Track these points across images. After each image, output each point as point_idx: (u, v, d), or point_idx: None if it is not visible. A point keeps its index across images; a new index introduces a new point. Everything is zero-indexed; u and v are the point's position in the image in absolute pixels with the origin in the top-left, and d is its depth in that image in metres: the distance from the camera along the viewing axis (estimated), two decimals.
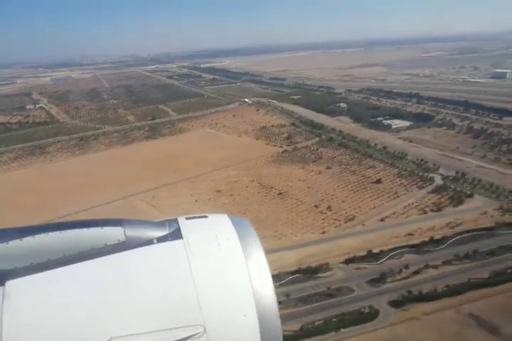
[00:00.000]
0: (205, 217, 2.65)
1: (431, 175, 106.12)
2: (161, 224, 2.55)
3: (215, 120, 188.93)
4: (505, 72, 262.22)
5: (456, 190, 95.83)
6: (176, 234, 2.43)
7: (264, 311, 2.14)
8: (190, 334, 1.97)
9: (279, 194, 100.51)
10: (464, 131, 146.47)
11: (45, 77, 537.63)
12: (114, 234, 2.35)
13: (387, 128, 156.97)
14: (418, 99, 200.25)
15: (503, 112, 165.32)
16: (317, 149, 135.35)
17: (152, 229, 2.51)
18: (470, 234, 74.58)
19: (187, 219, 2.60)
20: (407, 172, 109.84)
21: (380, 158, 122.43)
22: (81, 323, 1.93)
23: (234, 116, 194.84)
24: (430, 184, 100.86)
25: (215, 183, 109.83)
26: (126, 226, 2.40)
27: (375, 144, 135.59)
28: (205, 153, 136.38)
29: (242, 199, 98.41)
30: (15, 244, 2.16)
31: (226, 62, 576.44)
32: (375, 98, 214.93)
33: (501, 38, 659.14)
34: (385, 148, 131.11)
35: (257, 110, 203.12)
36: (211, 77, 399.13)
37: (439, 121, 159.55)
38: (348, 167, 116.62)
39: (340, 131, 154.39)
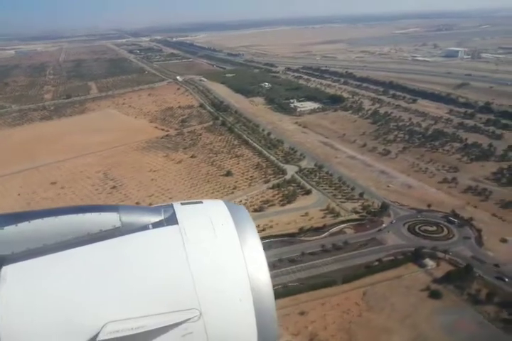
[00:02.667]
0: (201, 202, 2.61)
1: (286, 166, 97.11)
2: (156, 210, 2.51)
3: (127, 99, 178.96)
4: (458, 51, 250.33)
5: (299, 185, 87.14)
6: (171, 220, 2.39)
7: (259, 296, 2.12)
8: (186, 318, 1.97)
9: (113, 187, 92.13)
10: (367, 115, 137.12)
11: (11, 49, 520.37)
12: (109, 219, 2.31)
13: (293, 111, 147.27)
14: (347, 79, 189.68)
15: (421, 95, 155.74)
16: (201, 134, 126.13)
17: (147, 214, 2.46)
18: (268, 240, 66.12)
19: (182, 204, 2.56)
20: (267, 163, 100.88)
21: (254, 145, 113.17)
22: (77, 307, 1.93)
23: (149, 95, 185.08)
24: (279, 177, 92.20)
25: (58, 173, 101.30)
26: (122, 212, 2.36)
27: (263, 129, 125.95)
28: (85, 136, 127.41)
29: (69, 194, 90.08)
30: (11, 230, 2.13)
31: (200, 37, 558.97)
32: (306, 77, 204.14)
33: (491, 15, 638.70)
34: (269, 134, 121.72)
35: (178, 89, 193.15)
36: (171, 51, 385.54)
37: (350, 104, 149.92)
38: (213, 156, 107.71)
39: (239, 115, 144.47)
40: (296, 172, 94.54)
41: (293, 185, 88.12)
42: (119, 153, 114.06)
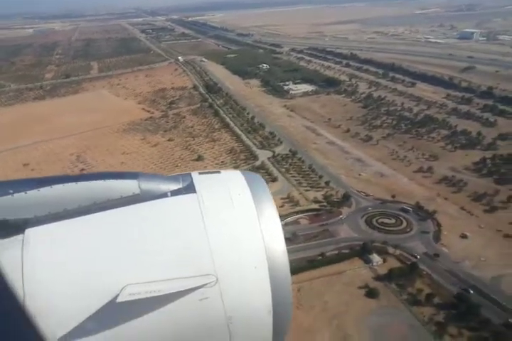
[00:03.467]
0: (218, 172, 2.62)
1: (260, 152, 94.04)
2: (174, 178, 2.53)
3: (123, 80, 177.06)
4: (472, 32, 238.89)
5: (268, 172, 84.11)
6: (190, 188, 2.40)
7: (274, 265, 2.17)
8: (203, 283, 2.01)
9: (82, 170, 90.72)
10: (359, 99, 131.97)
11: (30, 28, 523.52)
12: (129, 186, 2.34)
13: (286, 93, 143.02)
14: (349, 61, 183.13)
15: (421, 78, 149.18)
16: (184, 117, 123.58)
17: (166, 182, 2.48)
18: None
19: (200, 173, 2.58)
20: (242, 148, 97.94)
21: (235, 129, 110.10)
22: (98, 269, 1.99)
23: (146, 76, 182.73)
24: (249, 163, 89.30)
25: (34, 155, 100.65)
26: (141, 179, 2.39)
27: (248, 113, 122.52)
28: (72, 117, 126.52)
29: (36, 176, 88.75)
30: (33, 194, 2.18)
31: (216, 16, 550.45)
32: (308, 59, 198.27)
33: None
34: (253, 117, 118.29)
35: (176, 70, 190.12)
36: (182, 31, 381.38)
37: (345, 87, 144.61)
38: (190, 140, 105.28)
39: (230, 97, 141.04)
40: (269, 158, 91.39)
41: (261, 171, 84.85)
42: (98, 135, 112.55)
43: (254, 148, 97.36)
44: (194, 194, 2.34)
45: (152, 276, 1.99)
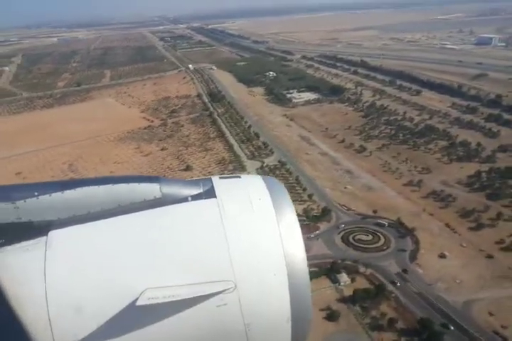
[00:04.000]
0: (239, 177, 2.61)
1: (249, 162, 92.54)
2: (195, 183, 2.51)
3: (131, 88, 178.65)
4: (491, 38, 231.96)
5: None
6: (210, 193, 2.39)
7: (293, 271, 2.14)
8: (222, 288, 2.00)
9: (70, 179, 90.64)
10: (362, 108, 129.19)
11: (56, 37, 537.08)
12: (150, 190, 2.34)
13: (288, 102, 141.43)
14: (357, 69, 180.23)
15: (428, 86, 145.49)
16: (183, 126, 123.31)
17: (186, 187, 2.46)
18: None
19: (220, 178, 2.57)
20: (233, 158, 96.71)
21: (230, 139, 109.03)
22: (119, 272, 2.01)
23: (154, 84, 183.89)
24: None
25: (29, 163, 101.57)
26: (162, 184, 2.38)
27: (246, 122, 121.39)
28: (73, 125, 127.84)
29: None
30: (57, 197, 2.21)
31: (236, 23, 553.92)
32: (317, 66, 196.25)
33: None
34: (249, 127, 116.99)
35: (184, 78, 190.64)
36: (200, 39, 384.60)
37: (349, 96, 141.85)
38: (183, 149, 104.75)
39: (231, 105, 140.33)
40: (256, 170, 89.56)
41: None
42: (94, 143, 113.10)
43: (244, 159, 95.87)
44: (214, 199, 2.33)
45: (172, 281, 1.99)
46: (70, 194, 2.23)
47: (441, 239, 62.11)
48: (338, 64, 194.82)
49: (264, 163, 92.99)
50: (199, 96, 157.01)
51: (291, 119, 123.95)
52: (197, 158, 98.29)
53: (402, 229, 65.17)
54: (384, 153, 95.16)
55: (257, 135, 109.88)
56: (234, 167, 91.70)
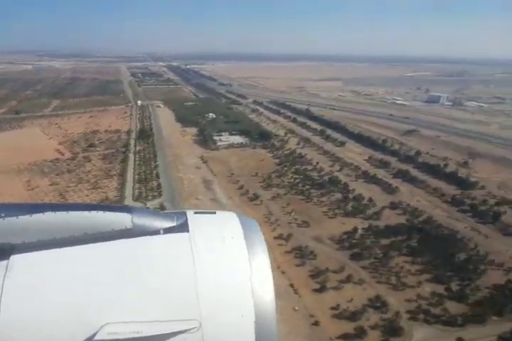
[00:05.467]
0: (214, 213, 2.59)
1: (131, 204, 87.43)
2: (168, 216, 2.48)
3: (65, 120, 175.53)
4: (440, 96, 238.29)
5: None
6: (183, 227, 2.37)
7: (261, 314, 2.08)
8: (185, 328, 1.93)
9: None
10: (281, 155, 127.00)
11: (31, 64, 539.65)
12: (121, 220, 2.29)
13: (213, 144, 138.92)
14: (297, 117, 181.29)
15: (356, 138, 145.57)
16: (90, 161, 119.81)
17: (159, 219, 2.43)
18: None
19: (195, 213, 2.53)
20: (118, 198, 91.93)
21: (128, 177, 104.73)
22: (79, 305, 1.91)
23: (90, 117, 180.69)
24: None
25: None
26: (134, 214, 2.34)
27: (156, 161, 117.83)
28: None
29: None
30: (25, 219, 2.13)
31: (212, 66, 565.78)
32: (261, 111, 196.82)
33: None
34: (156, 167, 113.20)
35: (125, 113, 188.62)
36: (169, 77, 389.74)
37: (275, 142, 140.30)
38: (73, 185, 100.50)
39: (153, 144, 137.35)
40: None
41: None
42: None
43: (128, 199, 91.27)
44: (187, 233, 2.29)
45: (134, 316, 1.91)
46: (38, 218, 2.14)
47: (278, 301, 56.82)
48: (282, 111, 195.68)
49: (146, 205, 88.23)
50: (128, 132, 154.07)
51: (205, 162, 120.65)
52: (80, 196, 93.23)
53: None
54: (275, 203, 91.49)
55: (157, 176, 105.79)
56: None
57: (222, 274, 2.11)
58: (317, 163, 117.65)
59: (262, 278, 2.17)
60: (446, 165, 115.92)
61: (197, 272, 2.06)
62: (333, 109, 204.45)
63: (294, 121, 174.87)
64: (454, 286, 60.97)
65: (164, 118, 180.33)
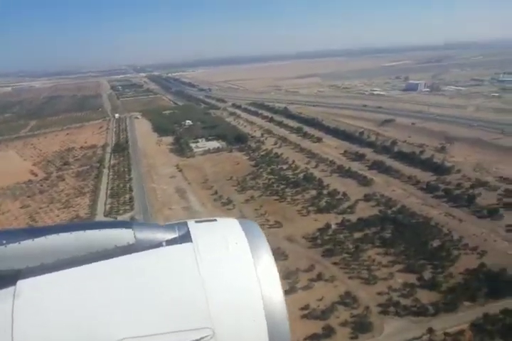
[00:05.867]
0: (215, 220, 2.62)
1: (103, 219, 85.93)
2: (170, 227, 2.51)
3: (41, 139, 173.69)
4: (417, 84, 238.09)
5: None
6: (186, 237, 2.39)
7: (273, 317, 2.11)
8: (199, 336, 1.97)
9: None
10: (257, 156, 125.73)
11: (12, 86, 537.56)
12: (123, 236, 2.31)
13: (189, 152, 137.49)
14: (274, 116, 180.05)
15: (333, 133, 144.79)
16: (64, 179, 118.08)
17: (161, 231, 2.46)
18: None
19: (196, 222, 2.58)
20: (89, 215, 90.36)
21: (101, 193, 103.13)
22: (91, 324, 1.95)
23: (67, 134, 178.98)
24: None
25: None
26: (136, 229, 2.36)
27: (130, 174, 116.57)
28: None
29: None
30: (27, 244, 2.14)
31: (193, 72, 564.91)
32: (239, 113, 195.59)
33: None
34: (130, 180, 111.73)
35: (101, 127, 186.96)
36: (149, 87, 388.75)
37: (251, 144, 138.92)
38: (45, 206, 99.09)
39: (128, 156, 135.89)
40: None
41: None
42: None
43: (99, 216, 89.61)
44: (190, 243, 2.31)
45: (147, 330, 1.94)
46: (40, 242, 2.14)
47: None
48: (260, 111, 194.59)
49: (116, 219, 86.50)
50: (104, 146, 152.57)
51: (180, 170, 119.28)
52: (51, 217, 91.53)
53: None
54: (248, 206, 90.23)
55: (130, 189, 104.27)
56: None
57: (230, 281, 2.12)
58: (293, 161, 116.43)
59: (269, 280, 2.18)
60: (422, 152, 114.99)
61: (204, 281, 2.08)
62: (312, 105, 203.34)
63: (272, 120, 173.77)
64: (428, 274, 59.79)
65: (141, 129, 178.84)
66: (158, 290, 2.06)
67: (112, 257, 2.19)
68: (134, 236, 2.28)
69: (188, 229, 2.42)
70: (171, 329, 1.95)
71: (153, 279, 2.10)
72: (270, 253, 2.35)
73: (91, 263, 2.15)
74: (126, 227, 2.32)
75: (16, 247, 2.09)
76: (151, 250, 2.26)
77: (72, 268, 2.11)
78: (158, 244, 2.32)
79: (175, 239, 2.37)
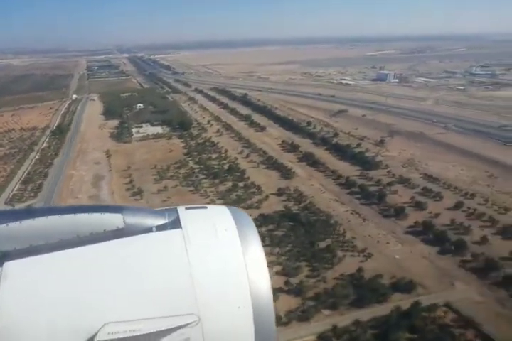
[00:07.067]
0: (205, 207, 2.61)
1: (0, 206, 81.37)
2: (160, 213, 2.50)
3: None
4: (387, 74, 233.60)
5: None
6: (175, 223, 2.37)
7: (259, 304, 2.10)
8: (185, 322, 1.95)
9: None
10: (194, 143, 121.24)
11: None
12: (113, 220, 2.29)
13: (127, 137, 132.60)
14: (229, 103, 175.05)
15: (281, 122, 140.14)
16: None
17: (151, 217, 2.44)
18: None
19: (186, 209, 2.55)
20: None
21: (14, 179, 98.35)
22: (77, 306, 1.92)
23: (12, 115, 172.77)
24: None
25: None
26: (126, 213, 2.34)
27: (53, 159, 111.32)
28: None
29: None
30: (15, 226, 2.13)
31: (175, 55, 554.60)
32: (197, 99, 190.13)
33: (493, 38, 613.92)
34: (49, 165, 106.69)
35: (51, 109, 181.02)
36: (125, 69, 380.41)
37: (194, 131, 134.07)
38: None
39: (62, 140, 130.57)
40: None
41: None
42: None
43: (1, 203, 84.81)
44: (180, 229, 2.28)
45: (132, 315, 1.92)
46: (28, 223, 2.13)
47: None
48: (219, 97, 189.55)
49: (14, 206, 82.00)
50: (44, 128, 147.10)
51: (109, 156, 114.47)
52: None
53: None
54: (158, 197, 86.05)
55: (45, 175, 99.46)
56: None
57: (217, 267, 2.10)
58: (226, 150, 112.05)
59: (257, 268, 2.16)
60: (359, 145, 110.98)
61: (192, 267, 2.05)
62: (273, 92, 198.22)
63: (225, 107, 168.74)
64: (301, 278, 55.97)
65: (91, 111, 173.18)
66: (145, 276, 2.03)
67: (101, 241, 2.13)
68: (124, 221, 2.24)
69: (178, 215, 2.38)
70: (157, 315, 1.92)
71: (141, 264, 2.06)
72: (259, 241, 2.34)
73: (79, 246, 2.10)
74: (116, 212, 2.28)
75: (4, 229, 2.07)
76: (140, 235, 2.22)
77: (60, 251, 2.06)
78: (147, 229, 2.29)
79: (165, 224, 2.34)
